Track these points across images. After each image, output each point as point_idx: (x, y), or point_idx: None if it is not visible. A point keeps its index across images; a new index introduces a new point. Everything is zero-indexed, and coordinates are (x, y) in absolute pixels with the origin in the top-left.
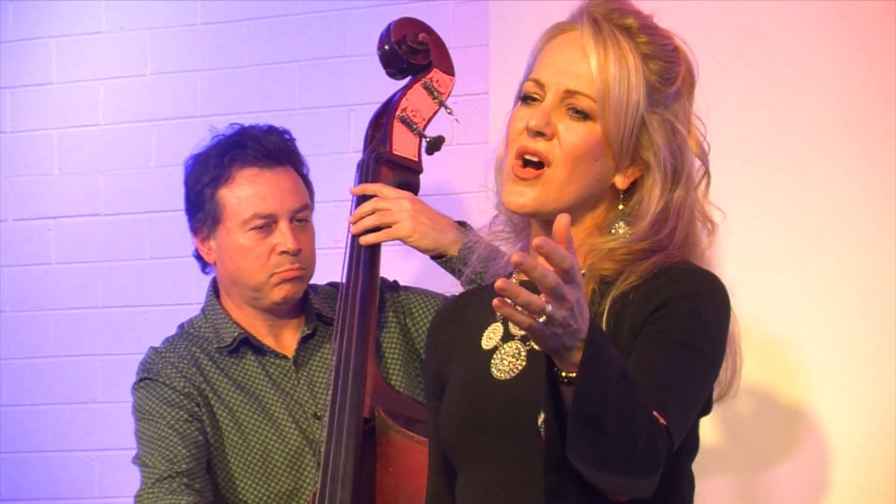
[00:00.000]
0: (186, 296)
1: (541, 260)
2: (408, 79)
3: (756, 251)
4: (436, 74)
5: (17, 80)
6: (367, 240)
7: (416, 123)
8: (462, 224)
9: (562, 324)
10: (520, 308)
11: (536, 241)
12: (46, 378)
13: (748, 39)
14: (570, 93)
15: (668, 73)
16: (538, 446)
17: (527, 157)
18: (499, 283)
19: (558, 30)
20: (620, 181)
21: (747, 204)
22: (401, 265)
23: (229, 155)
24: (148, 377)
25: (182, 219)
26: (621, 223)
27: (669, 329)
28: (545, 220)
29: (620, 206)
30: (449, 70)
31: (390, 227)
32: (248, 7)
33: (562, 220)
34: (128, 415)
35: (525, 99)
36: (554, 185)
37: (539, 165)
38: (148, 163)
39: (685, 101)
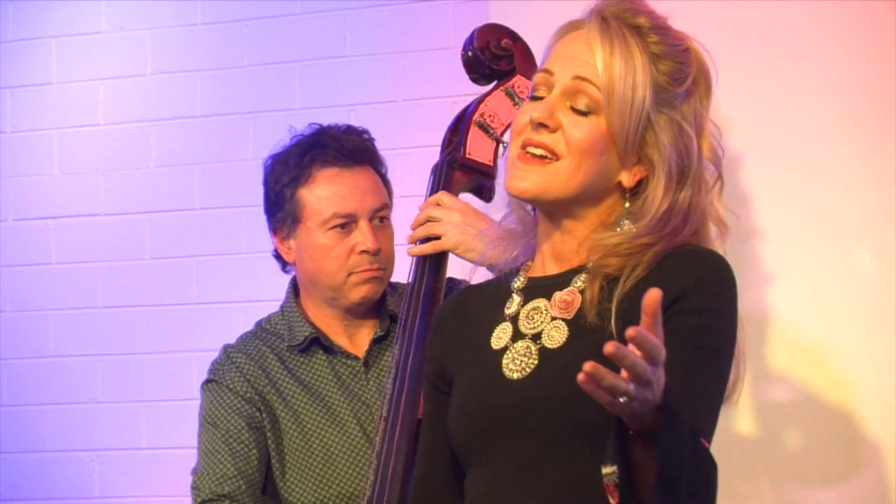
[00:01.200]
0: (186, 296)
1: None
2: (491, 84)
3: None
4: (519, 80)
5: (17, 80)
6: (414, 251)
7: (493, 129)
8: None
9: (640, 400)
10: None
11: (630, 332)
12: (46, 378)
13: (748, 40)
14: (578, 79)
15: (678, 73)
16: (550, 445)
17: (530, 149)
18: (587, 366)
19: (570, 27)
20: (627, 179)
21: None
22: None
23: (309, 155)
24: (213, 379)
25: (180, 218)
26: (627, 221)
27: (684, 329)
28: (549, 215)
29: (627, 205)
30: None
31: (439, 238)
32: (248, 7)
33: (653, 294)
34: (127, 414)
35: (533, 96)
36: (561, 175)
37: (544, 158)
38: (148, 163)
39: (695, 103)
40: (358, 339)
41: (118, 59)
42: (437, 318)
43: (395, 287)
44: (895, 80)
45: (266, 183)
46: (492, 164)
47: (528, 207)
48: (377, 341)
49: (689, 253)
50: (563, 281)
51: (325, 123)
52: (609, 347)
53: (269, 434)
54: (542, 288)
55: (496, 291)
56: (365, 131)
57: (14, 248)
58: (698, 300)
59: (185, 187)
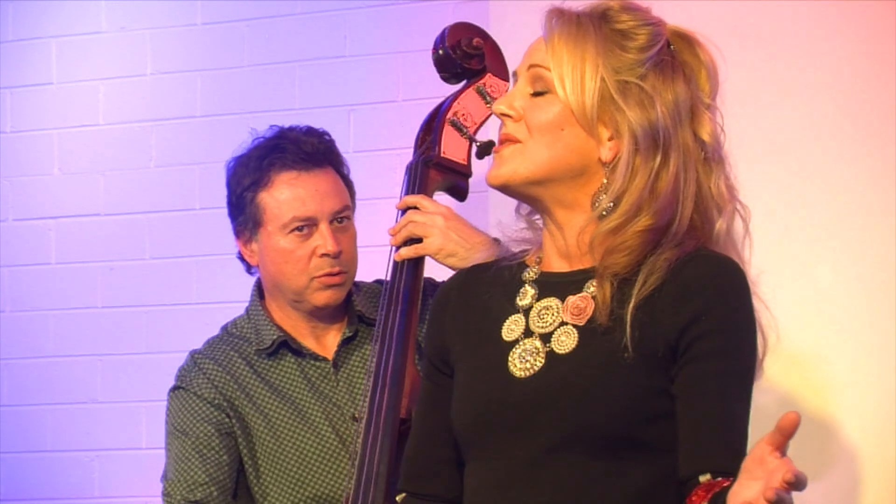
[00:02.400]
0: (186, 296)
1: None
2: (462, 83)
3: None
4: (489, 79)
5: (17, 80)
6: (399, 256)
7: (466, 127)
8: (498, 241)
9: None
10: None
11: (789, 476)
12: (46, 378)
13: (748, 40)
14: (533, 66)
15: (644, 45)
16: (554, 446)
17: (504, 142)
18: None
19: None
20: (605, 154)
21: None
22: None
23: (268, 158)
24: (180, 386)
25: (180, 218)
26: (603, 196)
27: (710, 354)
28: (539, 207)
29: (605, 180)
30: (503, 75)
31: (422, 241)
32: (248, 7)
33: (791, 418)
34: (127, 414)
35: None
36: (525, 154)
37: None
38: (148, 163)
39: (672, 76)
40: (325, 341)
41: (118, 59)
42: (439, 296)
43: (359, 286)
44: (895, 80)
45: (228, 186)
46: (466, 164)
47: (536, 219)
48: (346, 342)
49: (704, 260)
50: (575, 282)
51: (286, 125)
52: (769, 494)
53: (240, 439)
54: (555, 285)
55: (507, 279)
56: (325, 133)
57: (14, 248)
58: (718, 317)
59: (185, 187)
